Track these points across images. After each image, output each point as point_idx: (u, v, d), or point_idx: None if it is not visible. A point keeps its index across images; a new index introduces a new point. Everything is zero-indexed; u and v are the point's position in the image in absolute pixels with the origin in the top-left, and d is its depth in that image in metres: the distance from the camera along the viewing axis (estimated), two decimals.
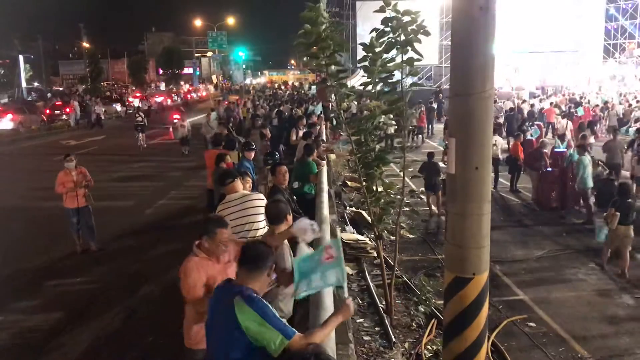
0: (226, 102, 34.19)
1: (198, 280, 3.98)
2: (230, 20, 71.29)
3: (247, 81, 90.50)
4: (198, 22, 74.62)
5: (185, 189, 15.36)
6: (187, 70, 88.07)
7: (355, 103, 15.75)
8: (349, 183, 14.60)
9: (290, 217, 4.77)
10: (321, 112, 19.45)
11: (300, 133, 13.39)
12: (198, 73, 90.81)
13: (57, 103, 40.60)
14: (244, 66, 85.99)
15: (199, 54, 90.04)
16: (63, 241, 10.19)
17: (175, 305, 7.54)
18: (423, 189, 12.89)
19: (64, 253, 9.94)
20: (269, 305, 3.11)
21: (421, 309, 7.47)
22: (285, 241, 4.68)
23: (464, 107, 4.28)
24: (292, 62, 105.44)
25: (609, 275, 9.01)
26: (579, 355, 6.61)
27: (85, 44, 62.49)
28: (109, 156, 22.03)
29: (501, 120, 23.38)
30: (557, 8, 39.57)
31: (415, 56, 6.27)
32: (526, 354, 6.66)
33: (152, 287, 8.35)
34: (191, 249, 4.15)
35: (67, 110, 37.08)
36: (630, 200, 9.02)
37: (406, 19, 6.09)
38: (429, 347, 6.48)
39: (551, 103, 26.84)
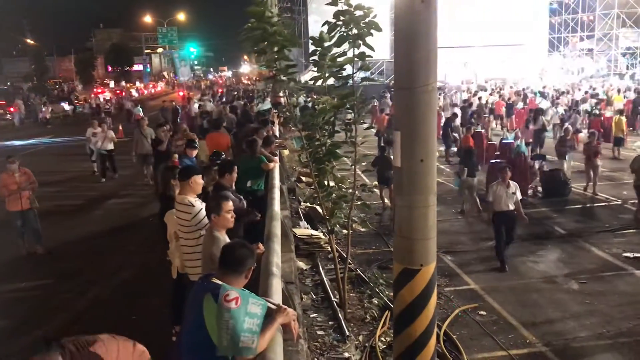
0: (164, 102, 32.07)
1: None
2: (181, 16, 70.13)
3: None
4: (148, 18, 73.08)
5: (136, 188, 15.03)
6: (137, 67, 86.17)
7: (307, 98, 15.68)
8: (303, 178, 14.58)
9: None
10: (270, 107, 19.29)
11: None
12: (149, 70, 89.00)
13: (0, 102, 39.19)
14: (195, 62, 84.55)
15: (149, 51, 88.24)
16: (7, 245, 9.83)
17: (125, 307, 7.45)
18: (376, 182, 13.00)
19: (9, 257, 9.60)
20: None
21: (375, 301, 7.53)
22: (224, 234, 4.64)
23: (408, 100, 4.33)
24: (245, 57, 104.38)
25: (554, 262, 9.31)
26: (528, 341, 6.79)
27: (30, 41, 60.39)
28: (56, 156, 21.40)
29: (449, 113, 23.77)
30: (503, 2, 40.57)
31: (367, 51, 6.29)
32: (477, 342, 6.79)
33: (101, 289, 8.15)
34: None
35: (11, 109, 35.80)
36: (474, 159, 12.36)
37: (358, 13, 6.10)
38: (382, 339, 6.53)
39: (500, 96, 27.53)
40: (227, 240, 4.64)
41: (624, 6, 41.80)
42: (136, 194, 14.25)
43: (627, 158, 17.57)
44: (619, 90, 28.46)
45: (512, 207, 9.15)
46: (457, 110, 21.38)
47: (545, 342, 6.74)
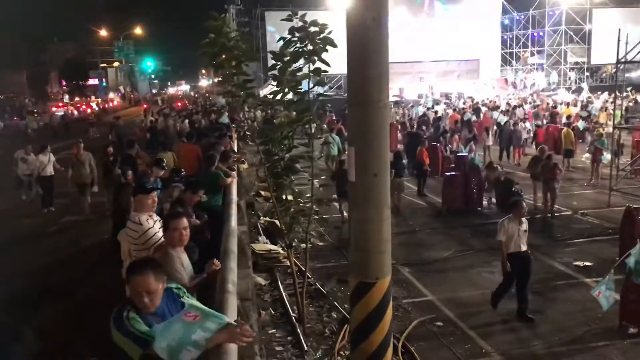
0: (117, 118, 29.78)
1: None
2: (138, 30, 69.41)
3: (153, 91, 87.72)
4: (103, 32, 71.99)
5: (94, 205, 14.62)
6: (93, 82, 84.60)
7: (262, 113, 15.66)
8: (262, 193, 14.51)
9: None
10: (228, 122, 19.25)
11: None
12: (105, 84, 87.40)
13: None
14: (152, 76, 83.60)
15: (105, 65, 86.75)
16: None
17: (84, 324, 7.24)
18: (335, 195, 13.06)
19: None
20: (135, 319, 3.12)
21: (334, 315, 7.54)
22: (182, 252, 4.59)
23: (361, 116, 4.40)
24: (204, 72, 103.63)
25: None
26: (484, 351, 6.90)
27: None
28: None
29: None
30: (457, 19, 41.66)
31: (323, 66, 6.36)
32: (435, 353, 6.87)
33: (59, 307, 7.92)
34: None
35: None
36: (402, 161, 13.72)
37: (313, 29, 6.16)
38: (342, 352, 6.54)
39: (454, 110, 28.10)
40: (184, 258, 4.58)
41: (570, 23, 43.51)
42: (96, 209, 13.88)
43: (577, 169, 18.22)
44: (567, 104, 29.43)
45: (525, 247, 7.94)
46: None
47: (501, 352, 6.86)
